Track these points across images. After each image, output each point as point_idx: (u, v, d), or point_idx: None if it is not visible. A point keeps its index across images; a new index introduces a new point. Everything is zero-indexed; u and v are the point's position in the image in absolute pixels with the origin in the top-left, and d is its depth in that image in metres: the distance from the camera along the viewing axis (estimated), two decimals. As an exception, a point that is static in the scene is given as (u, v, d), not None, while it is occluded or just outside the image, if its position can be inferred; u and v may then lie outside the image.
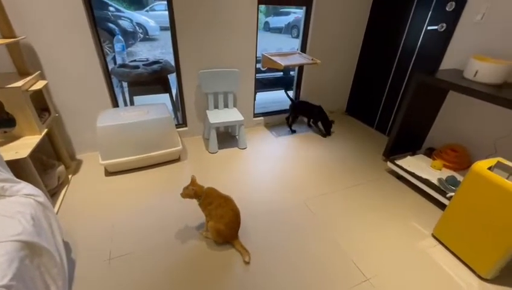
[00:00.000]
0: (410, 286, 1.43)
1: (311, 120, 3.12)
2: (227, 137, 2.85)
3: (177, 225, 1.72)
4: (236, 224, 1.59)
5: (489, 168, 1.43)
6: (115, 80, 2.90)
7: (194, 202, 1.59)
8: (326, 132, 2.94)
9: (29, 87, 1.72)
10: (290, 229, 1.74)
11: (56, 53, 1.99)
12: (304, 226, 1.77)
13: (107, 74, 2.27)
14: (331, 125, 2.90)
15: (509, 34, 1.85)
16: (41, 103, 1.94)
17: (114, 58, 4.29)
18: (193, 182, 1.56)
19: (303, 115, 3.10)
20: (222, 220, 1.53)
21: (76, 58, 2.06)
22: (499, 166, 1.47)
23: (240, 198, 1.99)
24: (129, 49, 6.54)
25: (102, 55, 2.19)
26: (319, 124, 2.99)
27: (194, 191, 1.53)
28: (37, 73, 1.85)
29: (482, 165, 1.44)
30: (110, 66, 3.07)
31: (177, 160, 2.42)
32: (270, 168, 2.37)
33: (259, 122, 3.11)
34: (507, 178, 1.36)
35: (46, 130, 1.83)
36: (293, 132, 3.01)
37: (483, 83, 1.81)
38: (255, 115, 3.06)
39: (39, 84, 1.81)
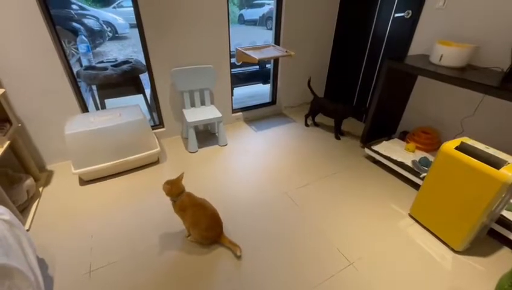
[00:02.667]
0: (391, 265, 1.49)
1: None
2: (206, 135, 2.81)
3: (159, 230, 1.69)
4: (216, 225, 1.57)
5: (456, 148, 1.51)
6: (83, 84, 2.75)
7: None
8: (336, 134, 2.75)
9: (-16, 98, 1.59)
10: (275, 221, 1.76)
11: (11, 58, 1.84)
12: (287, 217, 1.80)
13: (73, 78, 2.14)
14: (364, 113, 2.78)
15: (469, 18, 1.94)
16: (0, 114, 1.80)
17: (80, 60, 4.05)
18: (177, 180, 1.52)
19: (324, 114, 2.81)
20: (200, 226, 1.52)
21: (35, 62, 1.92)
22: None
23: (223, 195, 1.98)
24: (98, 49, 6.21)
25: (65, 58, 2.06)
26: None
27: (168, 189, 1.49)
28: (-9, 81, 1.70)
29: (449, 146, 1.51)
30: (76, 68, 2.91)
31: (156, 162, 2.35)
32: (251, 162, 2.37)
33: (238, 118, 3.08)
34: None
35: (8, 143, 1.70)
36: (316, 125, 3.00)
37: (448, 66, 1.89)
38: (234, 111, 3.03)
39: (-5, 93, 1.68)
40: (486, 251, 1.56)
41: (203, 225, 1.52)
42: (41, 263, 1.47)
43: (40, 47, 1.89)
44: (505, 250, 1.57)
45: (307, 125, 3.00)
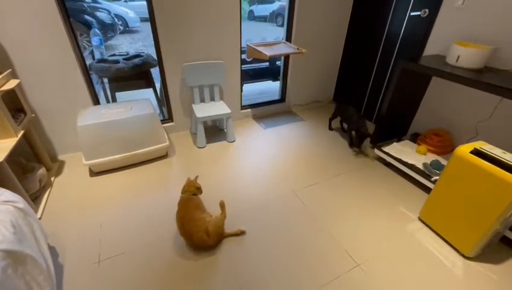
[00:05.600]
0: (399, 268, 1.47)
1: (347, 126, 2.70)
2: (215, 131, 2.81)
3: (167, 223, 1.70)
4: (186, 238, 1.55)
5: (471, 152, 1.47)
6: (94, 76, 2.78)
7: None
8: (354, 143, 2.56)
9: (0, 87, 1.62)
10: (282, 220, 1.75)
11: (27, 49, 1.87)
12: (295, 216, 1.79)
13: (85, 70, 2.16)
14: (365, 138, 2.45)
15: (489, 18, 1.88)
16: (15, 104, 1.83)
17: (92, 53, 4.09)
18: (192, 182, 1.60)
19: (341, 118, 2.78)
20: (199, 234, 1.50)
21: (50, 54, 1.94)
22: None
23: (230, 191, 1.98)
24: (109, 42, 6.27)
25: (79, 50, 2.08)
26: (353, 132, 2.56)
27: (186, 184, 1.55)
28: (7, 72, 1.73)
29: (464, 149, 1.48)
30: (89, 61, 2.94)
31: (165, 156, 2.37)
32: (259, 160, 2.37)
33: (247, 115, 3.08)
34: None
35: (22, 132, 1.74)
36: (331, 129, 2.88)
37: (464, 68, 1.84)
38: (243, 107, 3.02)
39: (11, 84, 1.71)
40: (498, 258, 1.52)
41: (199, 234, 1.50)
42: (52, 251, 1.50)
43: (55, 39, 1.91)
44: (518, 258, 1.53)
45: (330, 129, 2.89)
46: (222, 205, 1.63)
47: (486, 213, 1.39)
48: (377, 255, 1.54)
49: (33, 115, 2.00)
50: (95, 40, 3.93)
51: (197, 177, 1.67)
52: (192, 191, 1.57)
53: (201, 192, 1.61)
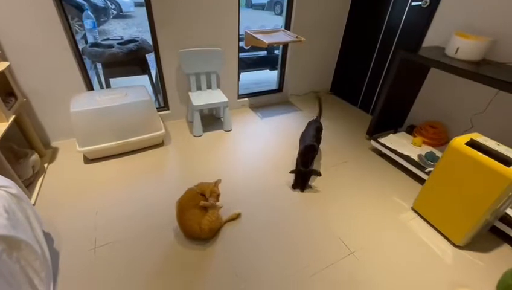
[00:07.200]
0: (391, 256, 1.51)
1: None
2: (211, 119, 2.78)
3: (163, 212, 1.70)
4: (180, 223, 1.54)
5: (467, 143, 1.49)
6: (88, 62, 2.71)
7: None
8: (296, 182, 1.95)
9: (-11, 70, 1.56)
10: (277, 209, 1.77)
11: (17, 31, 1.79)
12: (290, 204, 1.81)
13: (78, 54, 2.10)
14: (309, 177, 1.91)
15: (489, 10, 1.86)
16: (5, 87, 1.77)
17: (85, 37, 3.96)
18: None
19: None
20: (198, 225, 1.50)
21: (41, 36, 1.87)
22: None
23: (227, 180, 1.98)
24: (101, 27, 6.07)
25: (71, 34, 2.01)
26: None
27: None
28: (-4, 53, 1.67)
29: (459, 141, 1.49)
30: (81, 45, 2.85)
31: (161, 145, 2.34)
32: (256, 149, 2.36)
33: (244, 104, 3.05)
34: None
35: (13, 117, 1.70)
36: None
37: (463, 60, 1.84)
38: (240, 97, 2.99)
39: (0, 66, 1.65)
40: (487, 247, 1.57)
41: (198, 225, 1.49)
42: (48, 237, 1.49)
43: (46, 22, 1.84)
44: (506, 247, 1.58)
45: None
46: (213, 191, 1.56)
47: (478, 204, 1.42)
48: (371, 243, 1.57)
49: (25, 99, 1.95)
50: (87, 23, 3.79)
51: (219, 181, 1.60)
52: (210, 196, 1.52)
53: (217, 200, 1.56)
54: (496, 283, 1.31)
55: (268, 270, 1.41)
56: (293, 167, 1.93)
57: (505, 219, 1.56)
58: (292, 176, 1.96)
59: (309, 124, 2.18)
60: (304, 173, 1.85)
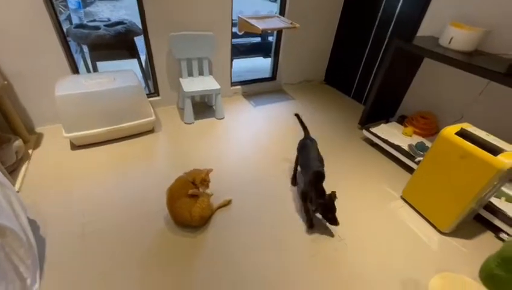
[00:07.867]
0: (379, 242, 1.55)
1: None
2: (203, 107, 2.73)
3: (153, 199, 1.67)
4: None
5: (457, 133, 1.51)
6: (73, 44, 2.58)
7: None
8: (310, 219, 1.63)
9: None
10: (269, 198, 1.77)
11: (-6, 8, 1.68)
12: (283, 194, 1.81)
13: (62, 36, 1.99)
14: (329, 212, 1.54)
15: (484, 0, 1.85)
16: (-17, 68, 1.68)
17: (69, 18, 3.77)
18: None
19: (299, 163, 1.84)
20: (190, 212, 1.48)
21: (22, 14, 1.76)
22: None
23: (218, 169, 1.95)
24: (87, 8, 5.80)
25: (54, 13, 1.90)
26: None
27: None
28: (-28, 31, 1.57)
29: (450, 131, 1.51)
30: (66, 26, 2.71)
31: (151, 131, 2.29)
32: (249, 138, 2.34)
33: (236, 92, 3.00)
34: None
35: (-7, 100, 1.61)
36: None
37: (456, 50, 1.84)
38: (232, 84, 2.93)
39: (-23, 45, 1.55)
40: (470, 234, 1.63)
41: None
42: (33, 224, 1.45)
43: (28, 1, 1.73)
44: (489, 234, 1.64)
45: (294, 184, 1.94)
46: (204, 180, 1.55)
47: (464, 192, 1.45)
48: (361, 230, 1.60)
49: (6, 82, 1.85)
50: (72, 3, 3.61)
51: (210, 170, 1.57)
52: (199, 184, 1.51)
53: (207, 186, 1.55)
54: (479, 269, 1.36)
55: (260, 259, 1.42)
56: (285, 155, 1.90)
57: (488, 207, 1.61)
58: (287, 168, 1.95)
59: (304, 145, 1.79)
60: (330, 204, 1.48)
